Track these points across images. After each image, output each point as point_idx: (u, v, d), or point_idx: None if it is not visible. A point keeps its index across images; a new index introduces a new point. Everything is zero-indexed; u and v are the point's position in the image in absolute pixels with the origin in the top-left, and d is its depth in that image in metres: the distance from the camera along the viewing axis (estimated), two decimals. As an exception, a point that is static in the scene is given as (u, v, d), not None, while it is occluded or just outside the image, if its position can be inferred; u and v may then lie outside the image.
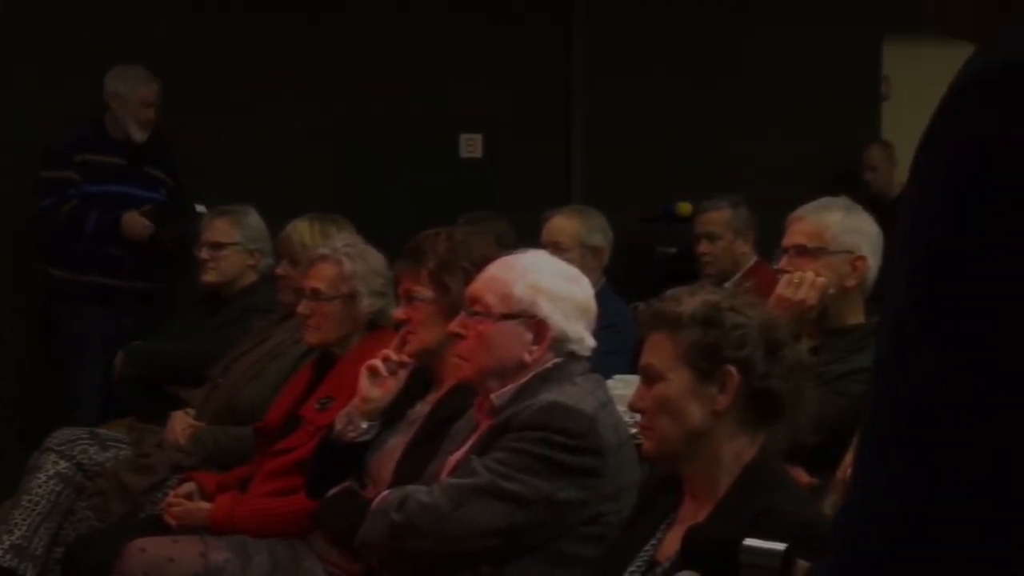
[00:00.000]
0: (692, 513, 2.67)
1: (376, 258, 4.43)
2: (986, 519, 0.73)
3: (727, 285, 5.51)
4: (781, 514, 2.46)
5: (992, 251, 0.74)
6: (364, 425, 3.73)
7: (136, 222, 6.72)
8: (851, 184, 7.43)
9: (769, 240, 5.37)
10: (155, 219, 6.75)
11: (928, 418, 0.75)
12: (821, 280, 3.81)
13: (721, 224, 6.29)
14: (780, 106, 8.14)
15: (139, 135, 6.91)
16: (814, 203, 4.07)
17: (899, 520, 0.75)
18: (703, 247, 6.33)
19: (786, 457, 2.89)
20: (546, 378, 3.24)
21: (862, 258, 3.87)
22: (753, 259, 6.24)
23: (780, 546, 1.66)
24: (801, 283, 3.80)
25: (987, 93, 0.78)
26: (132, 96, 6.88)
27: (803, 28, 8.24)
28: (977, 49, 0.81)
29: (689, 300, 2.74)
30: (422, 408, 3.77)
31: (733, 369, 2.66)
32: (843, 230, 3.93)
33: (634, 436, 3.13)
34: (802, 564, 1.69)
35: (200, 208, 6.60)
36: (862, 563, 0.76)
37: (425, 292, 3.73)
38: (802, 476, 3.38)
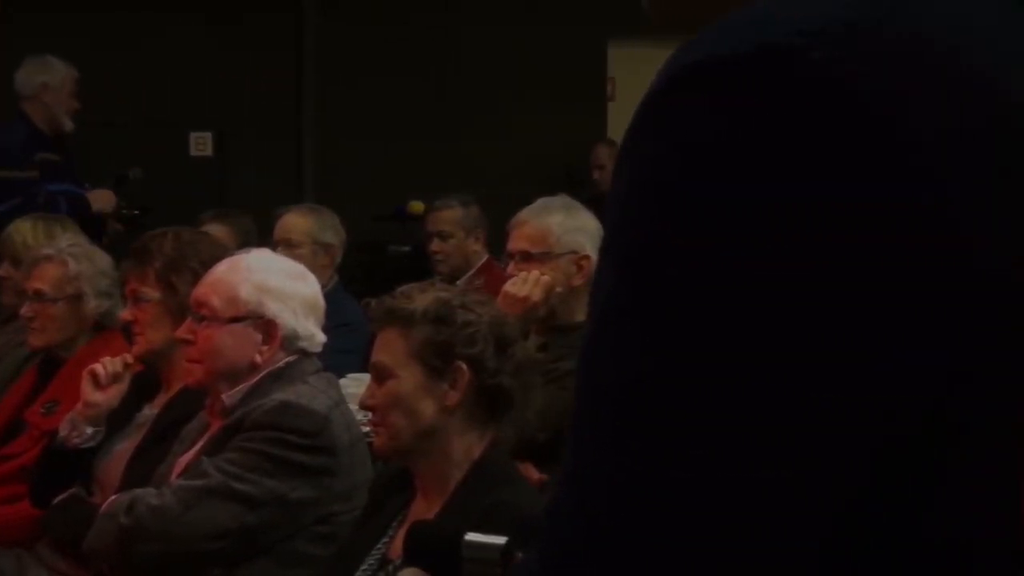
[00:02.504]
0: (423, 510, 2.69)
1: (102, 258, 4.33)
2: (685, 512, 0.75)
3: (459, 283, 5.57)
4: (509, 508, 2.50)
5: (692, 250, 0.76)
6: (89, 430, 3.64)
7: (106, 197, 6.54)
8: (579, 182, 7.58)
9: (500, 238, 5.44)
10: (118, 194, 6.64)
11: (628, 412, 0.76)
12: (546, 279, 3.87)
13: (452, 223, 6.34)
14: (510, 106, 8.25)
15: (69, 125, 6.71)
16: (535, 206, 4.13)
17: (596, 511, 0.76)
18: (435, 245, 6.37)
19: (516, 453, 2.94)
20: (278, 377, 3.23)
21: (587, 257, 3.93)
22: (484, 257, 6.31)
23: (500, 540, 1.69)
24: (527, 281, 3.86)
25: (693, 89, 0.78)
26: (64, 85, 6.66)
27: (531, 29, 8.37)
28: (682, 44, 0.81)
29: (421, 297, 2.76)
30: (150, 411, 3.70)
31: (464, 366, 2.69)
32: (566, 231, 3.99)
33: (367, 434, 3.14)
34: (522, 557, 1.72)
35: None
36: (564, 555, 0.77)
37: (152, 293, 3.67)
38: (531, 472, 3.44)
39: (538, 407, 2.82)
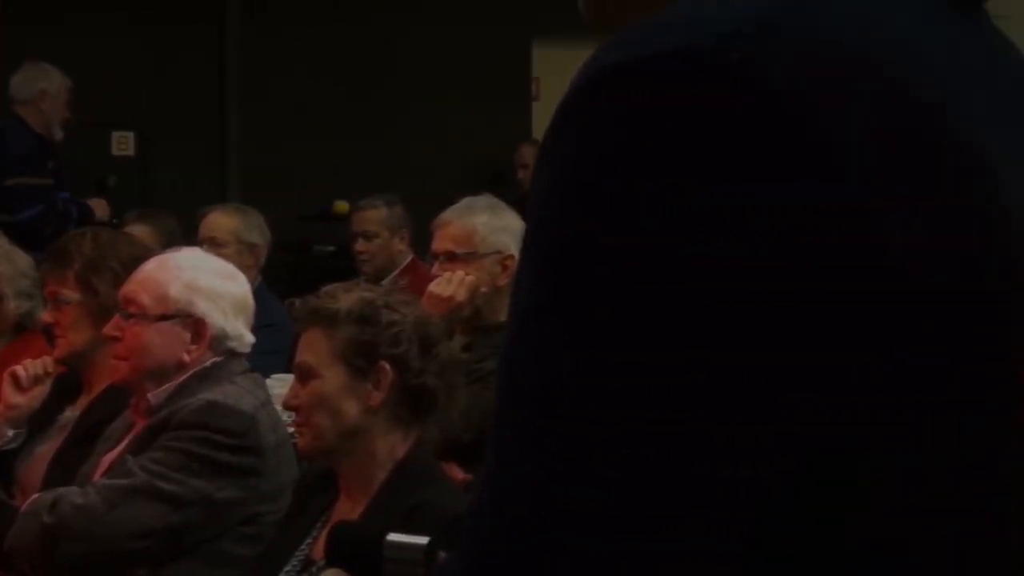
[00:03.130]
0: (347, 510, 2.69)
1: (23, 259, 4.28)
2: (605, 512, 0.75)
3: (383, 283, 5.56)
4: (432, 508, 2.50)
5: (611, 249, 0.76)
6: (10, 433, 3.61)
7: (103, 206, 6.44)
8: (505, 182, 7.60)
9: (425, 238, 5.45)
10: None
11: (549, 411, 0.76)
12: (471, 278, 3.88)
13: (377, 223, 6.33)
14: (435, 106, 8.25)
15: (59, 134, 6.70)
16: (459, 205, 4.13)
17: (517, 511, 0.76)
18: (360, 245, 6.36)
19: (440, 453, 2.94)
20: (205, 377, 3.21)
21: (512, 257, 3.92)
22: (409, 257, 6.31)
23: (423, 540, 1.69)
24: (451, 281, 3.87)
25: (613, 89, 0.78)
26: (61, 93, 6.66)
27: (455, 29, 8.37)
28: (602, 45, 0.81)
29: (345, 297, 2.75)
30: (72, 413, 3.67)
31: (388, 366, 2.69)
32: (490, 231, 4.00)
33: (293, 435, 3.14)
34: (445, 557, 1.72)
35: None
36: (486, 555, 0.77)
37: (72, 294, 3.63)
38: (456, 472, 3.45)
39: (462, 407, 2.83)
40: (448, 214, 4.10)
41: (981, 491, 0.83)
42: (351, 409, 2.69)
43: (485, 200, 4.16)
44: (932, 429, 0.80)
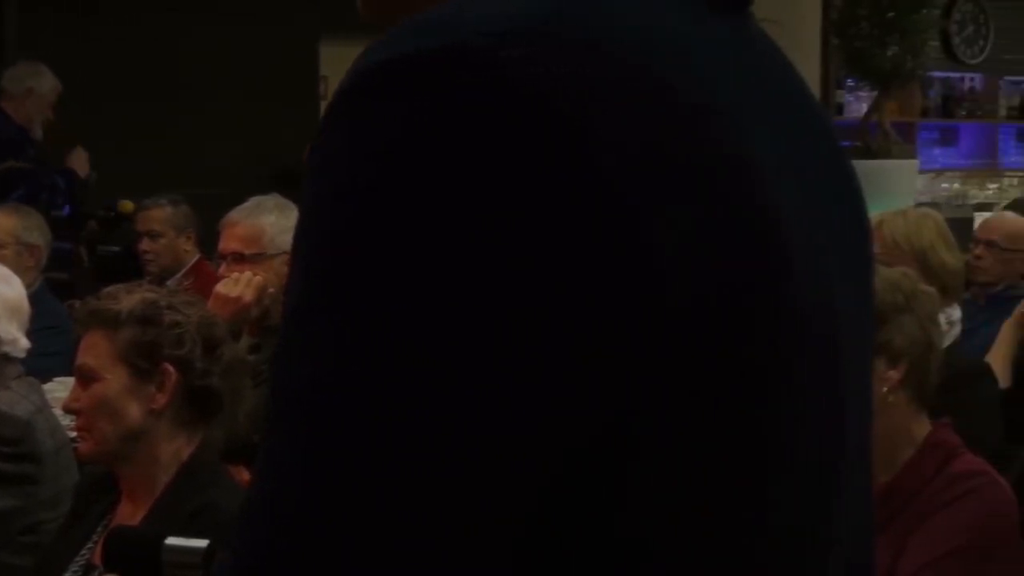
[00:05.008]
0: (130, 514, 2.64)
1: None
2: (366, 512, 0.75)
3: (169, 283, 5.49)
4: (217, 510, 2.48)
5: (372, 251, 0.76)
6: None
7: (82, 160, 6.72)
8: (294, 182, 7.53)
9: (212, 238, 5.39)
10: None
11: (309, 412, 0.76)
12: (258, 279, 3.86)
13: (162, 222, 6.24)
14: (222, 105, 8.16)
15: (38, 132, 6.74)
16: (247, 205, 4.10)
17: (284, 511, 0.76)
18: (145, 245, 6.26)
19: (227, 455, 2.91)
20: (-23, 383, 3.14)
21: (299, 256, 3.92)
22: (195, 257, 6.23)
23: (202, 543, 1.67)
24: (239, 282, 3.84)
25: (380, 87, 0.78)
26: (48, 93, 6.70)
27: (241, 28, 8.29)
28: (371, 43, 0.80)
29: (127, 298, 2.71)
30: None
31: (171, 367, 2.65)
32: (279, 231, 3.98)
33: (74, 439, 3.07)
34: (220, 557, 1.70)
35: None
36: (255, 555, 0.77)
37: None
38: (243, 474, 3.41)
39: (249, 408, 2.80)
40: (235, 214, 4.07)
41: (735, 509, 0.84)
42: (134, 412, 2.65)
43: (273, 200, 4.14)
44: (687, 435, 0.81)
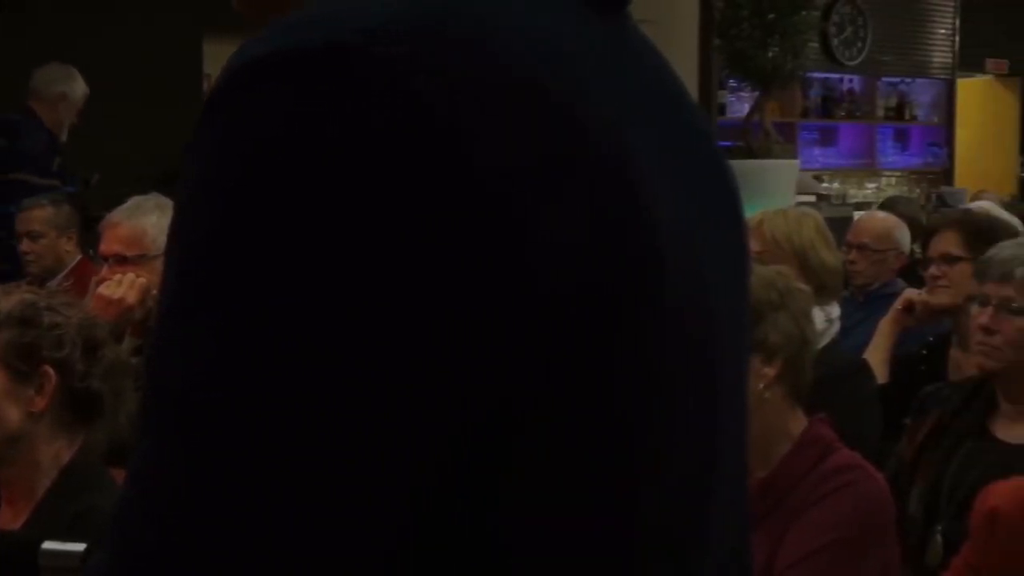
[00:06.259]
0: (10, 518, 2.60)
1: None
2: (237, 513, 0.74)
3: (50, 284, 5.41)
4: (99, 514, 2.45)
5: (245, 250, 0.76)
6: None
7: None
8: (174, 181, 7.46)
9: (95, 238, 5.32)
10: None
11: (183, 411, 0.76)
12: (142, 280, 3.83)
13: (43, 222, 6.14)
14: (103, 103, 8.04)
15: (64, 137, 6.57)
16: (127, 206, 4.06)
17: (156, 512, 0.76)
18: (25, 245, 6.17)
19: (110, 459, 2.88)
20: None
21: (180, 257, 3.89)
22: (77, 257, 6.15)
23: (79, 547, 1.65)
24: (121, 283, 3.81)
25: (254, 84, 0.77)
26: (78, 98, 6.55)
27: (123, 26, 8.19)
28: (247, 40, 0.80)
29: (5, 300, 2.67)
30: None
31: (51, 370, 2.62)
32: (161, 232, 3.94)
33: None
34: (94, 558, 1.67)
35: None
36: (127, 556, 0.77)
37: None
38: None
39: (131, 411, 2.77)
40: (116, 215, 4.02)
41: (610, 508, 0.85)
42: (13, 415, 2.61)
43: (154, 200, 4.10)
44: (556, 429, 0.82)
